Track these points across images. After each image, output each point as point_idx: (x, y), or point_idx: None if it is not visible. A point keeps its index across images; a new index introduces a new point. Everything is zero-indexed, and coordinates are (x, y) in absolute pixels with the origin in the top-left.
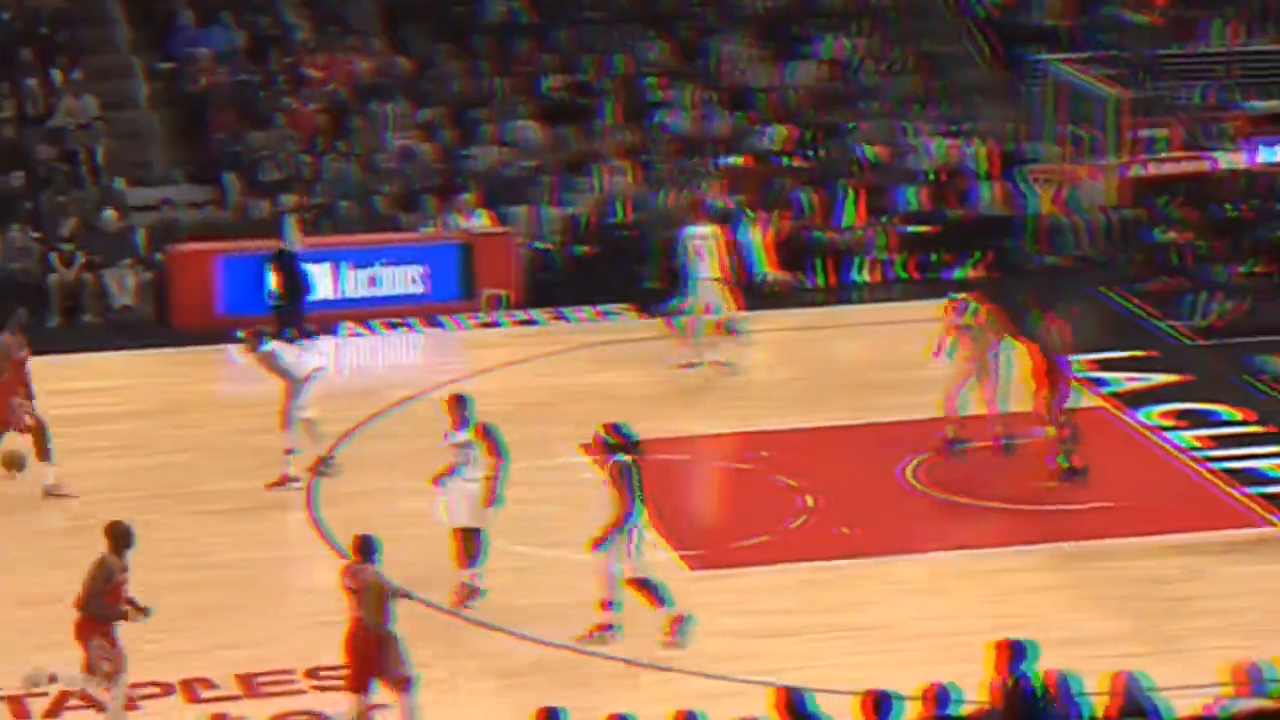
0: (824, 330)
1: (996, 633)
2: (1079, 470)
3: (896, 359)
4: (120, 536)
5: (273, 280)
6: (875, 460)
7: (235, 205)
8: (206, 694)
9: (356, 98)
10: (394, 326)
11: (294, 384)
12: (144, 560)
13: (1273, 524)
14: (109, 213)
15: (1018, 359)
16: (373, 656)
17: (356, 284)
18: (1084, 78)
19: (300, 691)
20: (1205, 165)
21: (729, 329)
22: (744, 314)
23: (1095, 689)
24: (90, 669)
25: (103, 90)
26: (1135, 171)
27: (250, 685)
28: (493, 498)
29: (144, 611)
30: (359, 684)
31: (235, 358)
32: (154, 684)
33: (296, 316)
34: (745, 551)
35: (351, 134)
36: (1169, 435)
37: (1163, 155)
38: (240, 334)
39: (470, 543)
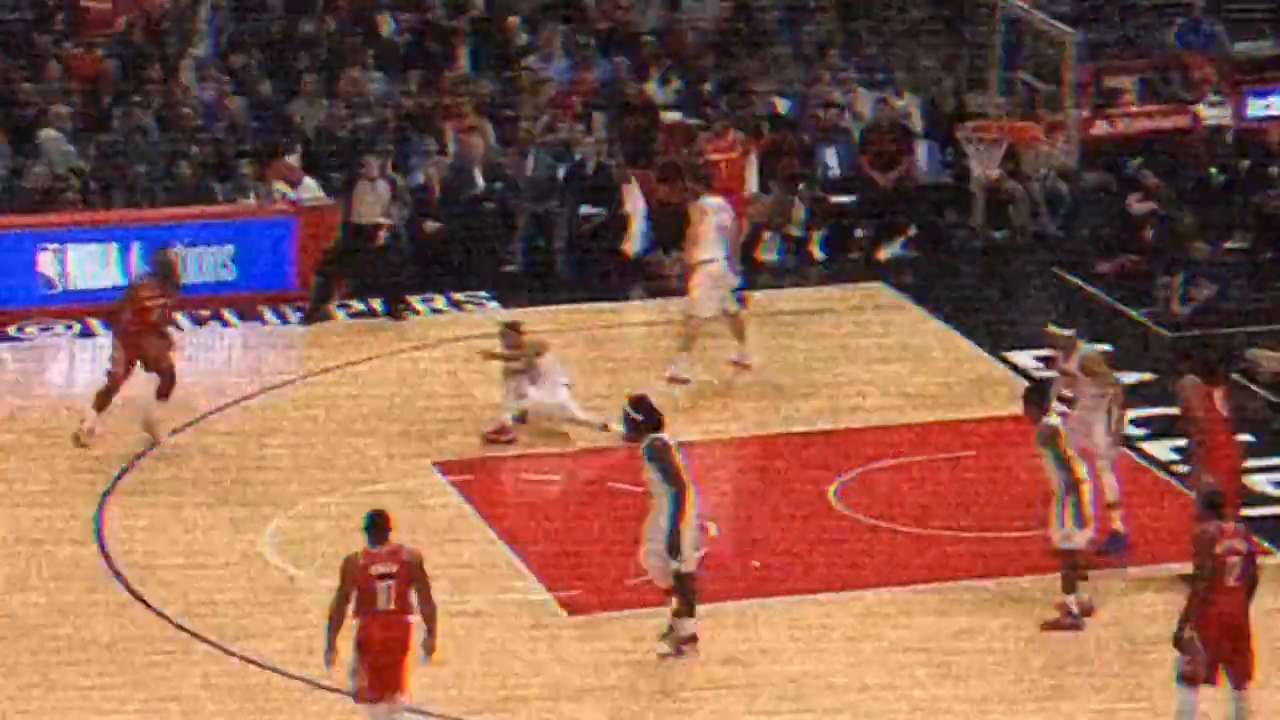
0: (723, 322)
1: (923, 687)
2: None
3: (813, 358)
4: None
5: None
6: (792, 479)
7: (4, 171)
8: None
9: (153, 39)
10: (199, 321)
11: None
12: None
13: (1270, 552)
14: None
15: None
16: (399, 647)
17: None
18: (1036, 15)
19: None
20: (1182, 121)
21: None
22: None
23: None
24: None
25: None
26: (1098, 129)
27: None
28: None
29: None
30: (399, 684)
31: (8, 361)
32: None
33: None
34: (631, 592)
35: (147, 85)
36: (1136, 447)
37: (1131, 109)
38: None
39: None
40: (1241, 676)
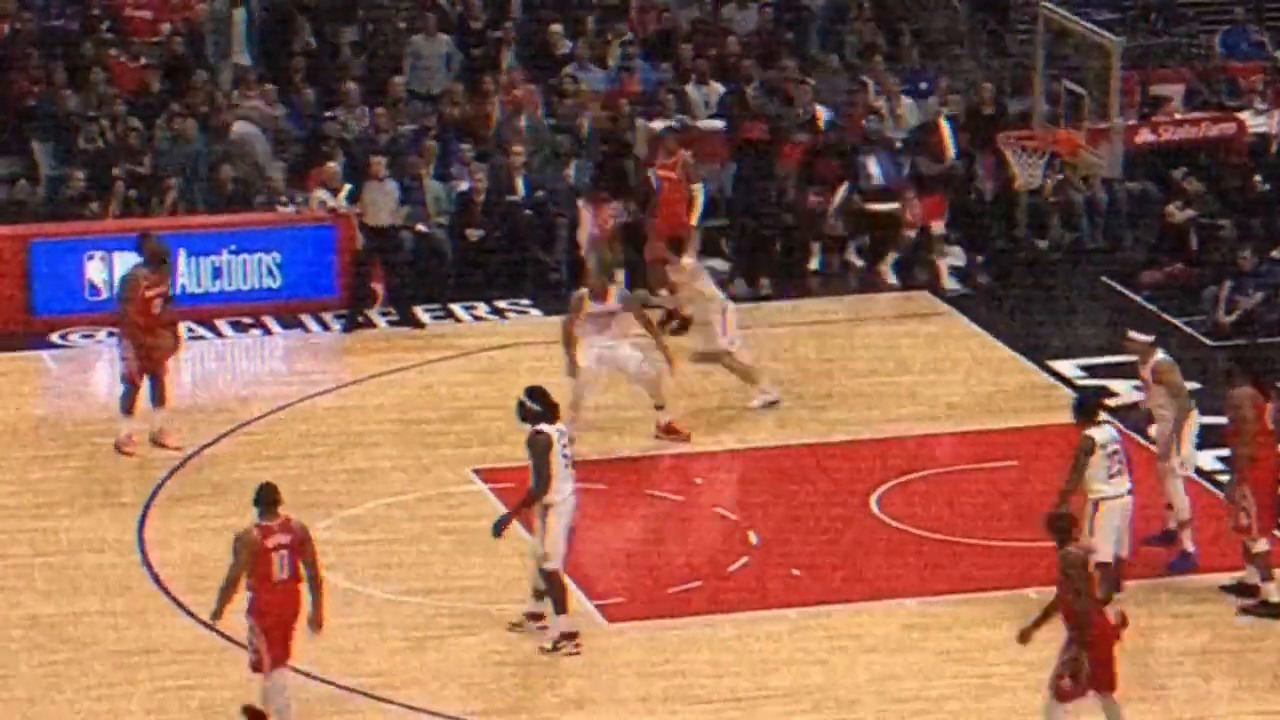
0: (768, 330)
1: (963, 699)
2: (1275, 607)
3: (857, 366)
4: None
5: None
6: (833, 488)
7: (49, 180)
8: None
9: (195, 47)
10: (242, 328)
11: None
12: None
13: None
14: None
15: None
16: (292, 617)
17: (197, 276)
18: (1080, 22)
19: None
20: (1228, 129)
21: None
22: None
23: None
24: None
25: None
26: (1143, 137)
27: None
28: None
29: None
30: (288, 651)
31: (53, 365)
32: None
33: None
34: (673, 599)
35: (189, 92)
36: None
37: (1177, 117)
38: None
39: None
40: (1111, 684)
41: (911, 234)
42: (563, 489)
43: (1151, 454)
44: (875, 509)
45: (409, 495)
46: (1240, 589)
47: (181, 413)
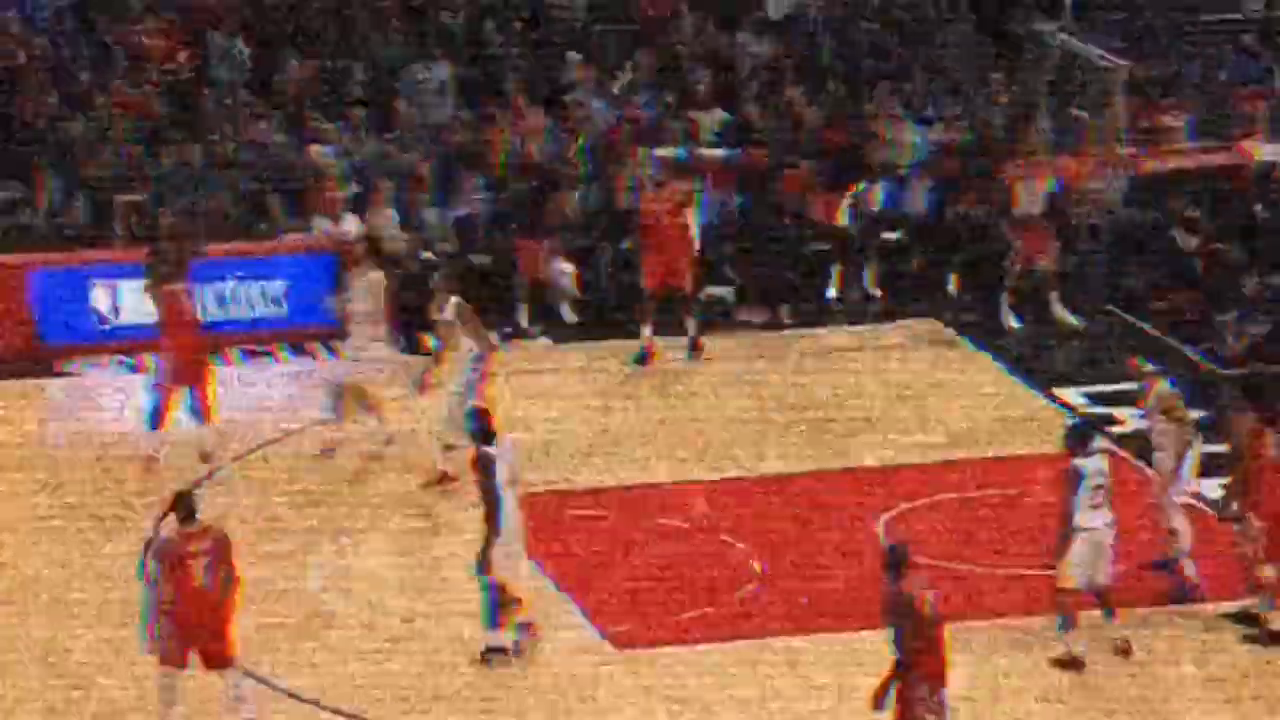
0: (776, 359)
1: None
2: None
3: (865, 393)
4: None
5: None
6: (840, 515)
7: (52, 207)
8: None
9: (198, 74)
10: (248, 356)
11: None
12: None
13: None
14: None
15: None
16: (219, 623)
17: (202, 304)
18: (1087, 49)
19: None
20: (1235, 157)
21: None
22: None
23: None
24: None
25: None
26: (1149, 165)
27: None
28: None
29: None
30: (183, 659)
31: (58, 393)
32: None
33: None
34: (680, 627)
35: (195, 118)
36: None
37: (1182, 145)
38: None
39: None
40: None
41: (1035, 268)
42: (506, 508)
43: (1151, 481)
44: (882, 536)
45: (413, 521)
46: (1244, 617)
47: (189, 440)
